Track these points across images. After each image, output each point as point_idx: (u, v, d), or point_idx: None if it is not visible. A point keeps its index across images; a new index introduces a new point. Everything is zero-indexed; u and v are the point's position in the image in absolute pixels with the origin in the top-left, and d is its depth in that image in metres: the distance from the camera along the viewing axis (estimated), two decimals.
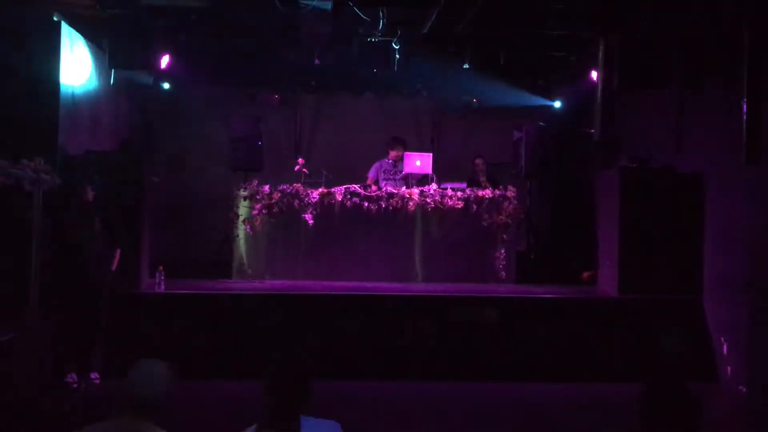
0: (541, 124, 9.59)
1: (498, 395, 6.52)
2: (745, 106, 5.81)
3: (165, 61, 8.34)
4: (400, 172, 8.81)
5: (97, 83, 8.18)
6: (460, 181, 8.82)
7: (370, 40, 8.06)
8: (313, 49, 8.18)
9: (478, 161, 9.37)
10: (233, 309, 7.08)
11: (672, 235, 7.45)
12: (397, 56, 8.27)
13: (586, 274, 8.61)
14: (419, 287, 7.94)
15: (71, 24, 7.22)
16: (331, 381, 5.84)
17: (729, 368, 6.81)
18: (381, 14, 7.48)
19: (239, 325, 6.94)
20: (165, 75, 8.88)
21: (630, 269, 7.43)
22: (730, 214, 6.98)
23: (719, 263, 7.14)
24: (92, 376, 6.35)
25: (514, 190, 8.55)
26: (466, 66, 8.91)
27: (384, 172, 8.91)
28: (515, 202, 8.49)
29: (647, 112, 8.70)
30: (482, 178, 9.15)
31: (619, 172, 7.65)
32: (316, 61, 8.37)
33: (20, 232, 5.81)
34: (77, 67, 7.53)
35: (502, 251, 8.38)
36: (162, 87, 9.47)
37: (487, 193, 8.44)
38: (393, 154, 8.89)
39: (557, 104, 10.19)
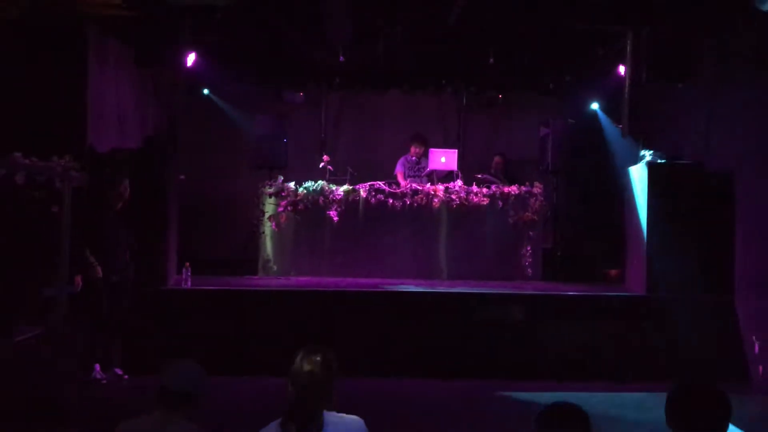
0: (570, 120, 9.49)
1: (524, 393, 6.46)
2: None
3: (191, 59, 8.40)
4: (423, 168, 8.78)
5: (124, 82, 8.27)
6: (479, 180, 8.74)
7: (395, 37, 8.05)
8: (337, 47, 8.18)
9: (497, 158, 9.34)
10: (259, 305, 7.11)
11: (701, 233, 7.31)
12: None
13: (613, 272, 8.51)
14: (444, 285, 7.90)
15: (98, 23, 7.30)
16: (356, 378, 5.84)
17: (761, 368, 6.68)
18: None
19: (264, 321, 6.97)
20: (191, 73, 8.93)
21: (658, 267, 7.32)
22: (762, 210, 6.84)
23: (750, 261, 7.01)
24: (117, 372, 6.42)
25: (540, 186, 8.48)
26: (491, 60, 8.85)
27: (408, 168, 8.89)
28: (542, 198, 8.42)
29: (677, 107, 8.57)
30: (501, 177, 9.13)
31: (647, 169, 7.54)
32: (341, 59, 8.37)
33: (49, 228, 5.88)
34: (104, 65, 7.62)
35: (528, 248, 8.32)
36: (188, 85, 9.54)
37: (513, 189, 8.38)
38: (414, 150, 8.86)
39: (587, 102, 10.07)
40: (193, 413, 2.79)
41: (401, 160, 8.94)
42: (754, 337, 6.83)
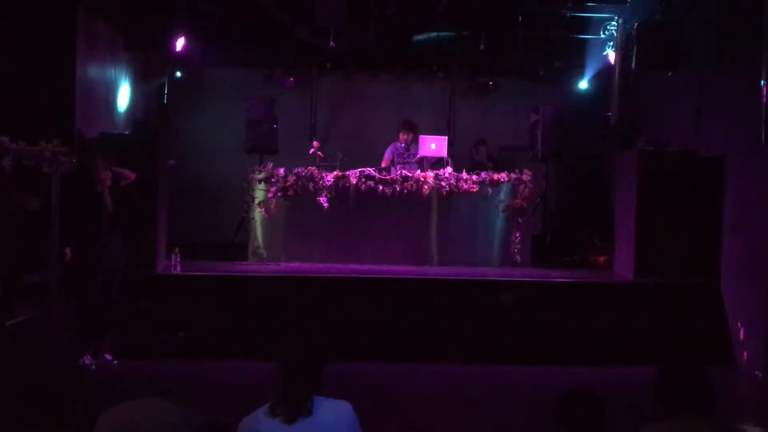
0: (555, 105, 9.51)
1: (512, 379, 6.51)
2: (765, 88, 5.73)
3: (181, 42, 8.35)
4: (413, 155, 8.78)
5: (113, 66, 8.21)
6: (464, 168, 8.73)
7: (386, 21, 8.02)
8: (328, 30, 8.14)
9: (481, 147, 9.46)
10: (248, 291, 7.11)
11: (689, 219, 7.38)
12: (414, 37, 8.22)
13: (602, 258, 8.56)
14: (434, 270, 7.93)
15: (87, 4, 7.22)
16: (345, 363, 5.86)
17: (745, 353, 6.76)
18: None
19: (254, 306, 6.97)
20: (180, 56, 8.88)
21: (647, 252, 7.38)
22: (750, 197, 6.90)
23: (737, 247, 7.07)
24: (107, 357, 6.41)
25: (530, 173, 8.49)
26: (482, 47, 8.85)
27: (397, 155, 8.88)
28: (531, 185, 8.44)
29: (666, 94, 8.60)
30: (488, 163, 9.20)
31: (637, 155, 7.57)
32: (331, 44, 8.33)
33: (38, 214, 5.84)
34: (93, 48, 7.55)
35: (518, 235, 8.35)
36: (178, 69, 9.49)
37: (503, 176, 8.39)
38: (403, 137, 8.86)
39: (576, 86, 10.09)
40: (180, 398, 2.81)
41: (390, 148, 8.93)
42: (739, 323, 6.90)
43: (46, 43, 6.69)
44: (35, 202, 5.73)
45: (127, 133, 8.26)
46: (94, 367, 6.32)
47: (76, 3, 6.93)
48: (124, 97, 8.69)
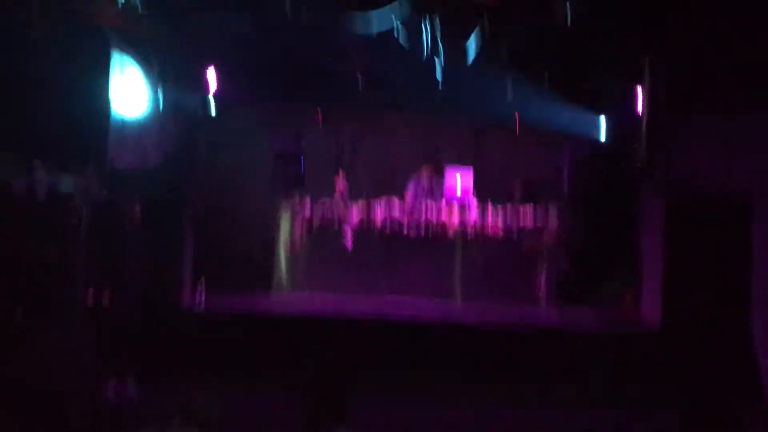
0: (584, 143, 9.48)
1: (535, 424, 6.40)
2: None
3: (212, 76, 8.50)
4: (435, 188, 8.78)
5: (145, 100, 8.36)
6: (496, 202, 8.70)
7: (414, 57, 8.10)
8: (356, 66, 8.25)
9: (513, 182, 9.39)
10: (272, 324, 7.11)
11: (719, 257, 7.26)
12: (441, 73, 8.29)
13: (628, 300, 8.44)
14: (458, 307, 7.87)
15: (122, 41, 7.40)
16: (366, 399, 5.81)
17: None
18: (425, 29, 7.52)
19: (278, 339, 6.96)
20: (211, 92, 9.03)
21: (674, 293, 7.26)
22: None
23: None
24: (127, 388, 6.38)
25: (555, 211, 8.44)
26: (510, 83, 8.89)
27: (422, 190, 8.89)
28: (556, 224, 8.38)
29: (695, 132, 8.51)
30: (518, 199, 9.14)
31: (664, 196, 7.50)
32: (359, 77, 8.43)
33: (67, 243, 5.93)
34: (126, 83, 7.71)
35: (543, 273, 8.28)
36: (208, 104, 9.63)
37: (529, 212, 8.35)
38: (426, 170, 8.88)
39: (602, 124, 10.06)
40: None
41: (412, 182, 8.96)
42: None
43: (81, 77, 6.85)
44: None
45: (156, 165, 8.37)
46: (113, 396, 6.33)
47: (110, 37, 7.11)
48: (155, 130, 8.83)
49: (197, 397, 2.83)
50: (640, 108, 8.83)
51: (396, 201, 8.35)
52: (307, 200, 8.28)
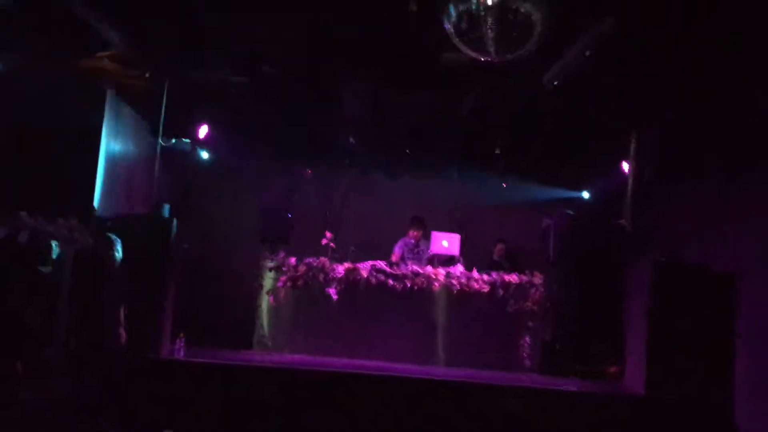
0: (569, 212, 9.57)
1: None
2: None
3: (204, 131, 8.57)
4: (422, 251, 8.80)
5: (135, 149, 8.39)
6: (481, 265, 8.71)
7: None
8: (351, 129, 8.36)
9: (500, 246, 9.35)
10: (251, 382, 6.97)
11: (703, 334, 7.25)
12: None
13: (613, 369, 8.38)
14: (441, 371, 7.78)
15: (117, 92, 7.47)
16: None
17: None
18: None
19: (255, 397, 6.83)
20: (203, 145, 9.10)
21: (658, 366, 7.22)
22: (764, 314, 6.80)
23: (751, 364, 6.91)
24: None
25: (540, 276, 8.45)
26: (497, 152, 9.03)
27: (408, 251, 8.91)
28: (542, 289, 8.39)
29: (682, 205, 8.62)
30: (505, 263, 9.13)
31: (650, 267, 7.54)
32: (351, 140, 8.53)
33: (45, 290, 5.84)
34: (118, 132, 7.75)
35: (527, 339, 8.24)
36: (199, 156, 9.69)
37: (514, 278, 8.36)
38: (413, 233, 8.92)
39: (586, 195, 10.19)
40: None
41: (399, 243, 8.98)
42: None
43: (74, 124, 6.88)
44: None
45: (143, 214, 8.34)
46: None
47: (105, 88, 7.17)
48: (143, 180, 8.84)
49: None
50: (627, 180, 8.96)
51: (382, 263, 8.33)
52: (293, 258, 8.23)
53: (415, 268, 8.37)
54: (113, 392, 6.37)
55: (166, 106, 7.73)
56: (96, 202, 6.96)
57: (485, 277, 8.34)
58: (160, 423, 6.21)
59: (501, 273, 8.48)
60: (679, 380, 7.13)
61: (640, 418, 7.02)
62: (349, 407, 6.79)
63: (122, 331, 6.51)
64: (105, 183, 7.29)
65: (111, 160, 7.55)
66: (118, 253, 6.52)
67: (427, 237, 8.75)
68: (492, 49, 5.18)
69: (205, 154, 9.74)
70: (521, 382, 7.55)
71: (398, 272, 8.28)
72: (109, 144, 7.37)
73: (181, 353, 7.13)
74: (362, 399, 6.87)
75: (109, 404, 6.34)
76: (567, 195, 10.26)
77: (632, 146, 8.88)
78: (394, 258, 8.78)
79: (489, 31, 5.05)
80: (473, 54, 5.33)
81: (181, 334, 7.20)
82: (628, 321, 8.02)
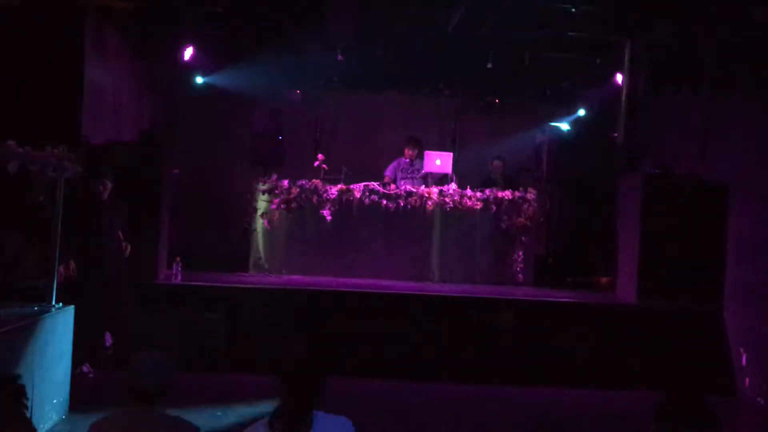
0: (563, 127, 9.52)
1: (511, 399, 6.47)
2: None
3: (189, 52, 8.39)
4: (417, 170, 8.78)
5: (120, 74, 8.23)
6: (477, 182, 8.72)
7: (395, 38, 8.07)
8: (337, 46, 8.18)
9: (497, 163, 9.28)
10: (248, 303, 7.08)
11: (694, 243, 7.34)
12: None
13: (604, 280, 8.53)
14: (435, 288, 7.90)
15: (96, 13, 7.26)
16: (345, 378, 5.82)
17: (747, 380, 6.71)
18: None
19: (254, 318, 6.95)
20: (189, 67, 8.92)
21: (649, 276, 7.34)
22: (755, 222, 6.87)
23: (741, 272, 7.03)
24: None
25: (534, 192, 8.48)
26: (489, 65, 8.88)
27: (402, 170, 8.88)
28: (535, 204, 8.43)
29: (673, 117, 8.58)
30: (500, 181, 9.09)
31: (642, 178, 7.55)
32: (339, 57, 8.36)
33: (38, 220, 5.83)
34: (101, 56, 7.58)
35: (520, 254, 8.33)
36: (185, 79, 9.52)
37: (507, 194, 8.38)
38: (408, 152, 8.86)
39: (581, 110, 10.10)
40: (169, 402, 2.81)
41: (393, 164, 8.93)
42: (741, 349, 6.85)
43: (55, 50, 6.72)
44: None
45: (133, 141, 8.26)
46: (91, 375, 6.28)
47: (85, 10, 6.96)
48: (131, 105, 8.72)
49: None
50: (620, 92, 8.87)
51: (375, 184, 8.32)
52: (285, 181, 8.21)
53: (408, 187, 8.37)
54: (115, 316, 6.48)
55: (149, 27, 7.53)
56: (82, 129, 6.86)
57: (478, 194, 8.36)
58: (159, 344, 6.33)
59: (494, 189, 8.49)
60: (669, 289, 7.27)
61: (632, 326, 7.18)
62: (347, 324, 6.92)
63: (123, 254, 6.59)
64: (90, 109, 7.18)
65: (96, 86, 7.40)
66: (110, 181, 6.53)
67: (421, 157, 8.71)
68: None
69: (190, 78, 9.55)
70: (514, 294, 7.68)
71: (391, 192, 8.28)
72: (92, 68, 7.21)
73: (179, 278, 7.20)
74: (359, 316, 6.99)
75: (110, 328, 6.46)
76: (561, 111, 10.16)
77: (626, 58, 8.75)
78: (387, 178, 8.75)
79: None
80: None
81: (178, 259, 7.25)
82: (621, 233, 8.10)
